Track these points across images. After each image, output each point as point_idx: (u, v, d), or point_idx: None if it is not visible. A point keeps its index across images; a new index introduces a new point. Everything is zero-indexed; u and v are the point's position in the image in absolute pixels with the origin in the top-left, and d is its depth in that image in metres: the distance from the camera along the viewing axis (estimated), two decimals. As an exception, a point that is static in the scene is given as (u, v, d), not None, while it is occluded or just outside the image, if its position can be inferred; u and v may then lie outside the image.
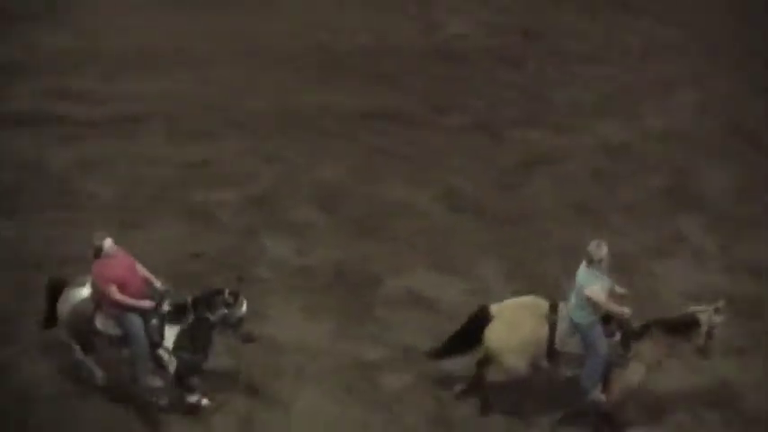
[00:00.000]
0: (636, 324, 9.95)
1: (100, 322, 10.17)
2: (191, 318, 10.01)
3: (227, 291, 9.87)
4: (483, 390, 10.59)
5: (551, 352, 9.97)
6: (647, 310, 10.60)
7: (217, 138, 15.93)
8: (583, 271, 9.79)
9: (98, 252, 9.90)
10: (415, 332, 11.69)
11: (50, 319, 10.58)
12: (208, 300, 9.96)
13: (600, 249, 9.63)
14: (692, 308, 10.06)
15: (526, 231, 14.04)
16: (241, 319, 9.92)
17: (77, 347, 10.44)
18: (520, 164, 15.75)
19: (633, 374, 9.96)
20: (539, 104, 17.65)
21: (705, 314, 9.87)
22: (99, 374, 10.57)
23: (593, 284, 9.63)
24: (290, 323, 11.79)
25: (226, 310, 9.87)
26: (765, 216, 14.80)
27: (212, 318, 9.91)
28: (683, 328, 9.93)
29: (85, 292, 10.24)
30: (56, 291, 10.49)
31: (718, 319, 9.87)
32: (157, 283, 10.20)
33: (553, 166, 15.73)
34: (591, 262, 9.68)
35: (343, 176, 15.13)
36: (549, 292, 10.62)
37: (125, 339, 10.09)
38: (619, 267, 11.65)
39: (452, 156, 15.86)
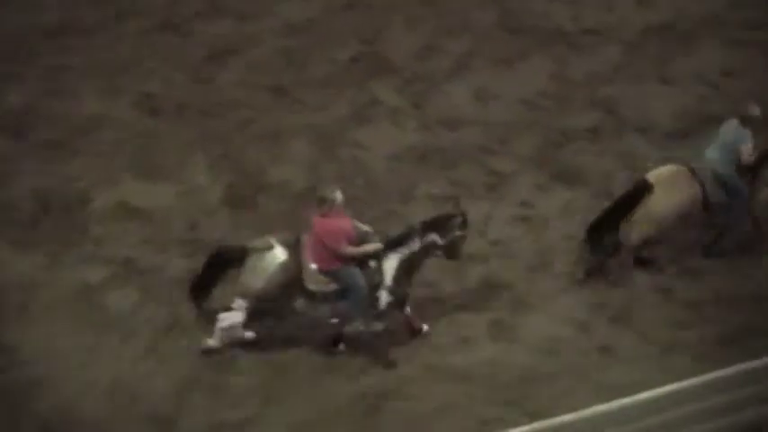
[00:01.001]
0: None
1: (312, 282, 9.93)
2: (416, 246, 10.12)
3: (459, 215, 10.37)
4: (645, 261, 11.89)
5: (706, 204, 11.54)
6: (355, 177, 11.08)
7: None
8: (735, 129, 11.49)
9: (328, 205, 9.75)
10: (134, 245, 11.61)
11: (206, 292, 10.25)
12: (440, 224, 10.21)
13: (754, 109, 11.49)
14: None
15: (227, 123, 14.03)
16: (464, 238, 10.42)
17: (245, 316, 10.07)
18: (210, 57, 15.54)
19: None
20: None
21: None
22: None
23: (748, 142, 11.36)
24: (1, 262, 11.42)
25: (458, 233, 10.25)
26: (451, 70, 15.44)
27: (441, 242, 10.18)
28: None
29: (280, 255, 9.91)
30: (229, 261, 10.08)
31: None
32: (364, 226, 10.23)
33: (242, 53, 15.63)
34: (745, 121, 11.46)
35: (30, 99, 14.44)
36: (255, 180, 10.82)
37: (342, 292, 9.95)
38: (320, 142, 12.15)
39: (141, 60, 15.42)
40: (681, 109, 14.53)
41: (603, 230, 11.53)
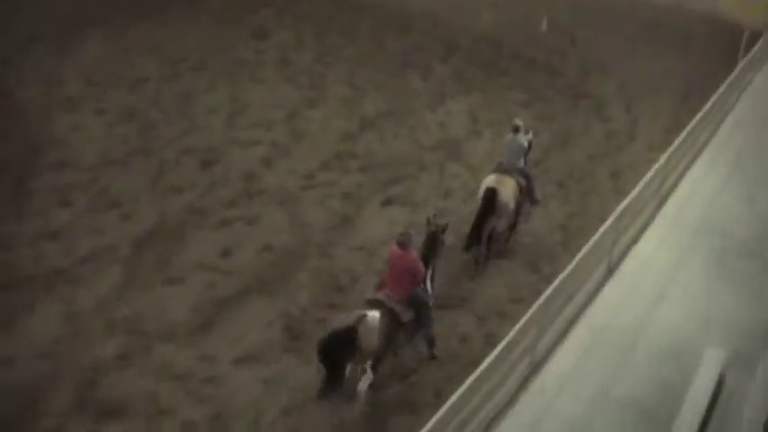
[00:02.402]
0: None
1: (405, 315, 12.22)
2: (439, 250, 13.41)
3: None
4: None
5: (522, 190, 16.20)
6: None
7: None
8: (513, 138, 16.40)
9: (407, 244, 12.39)
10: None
11: (338, 379, 11.65)
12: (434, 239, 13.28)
13: (518, 121, 16.80)
14: None
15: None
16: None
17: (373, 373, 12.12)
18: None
19: None
20: None
21: None
22: None
23: (524, 142, 16.49)
24: None
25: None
26: None
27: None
28: None
29: (375, 313, 11.89)
30: (348, 343, 11.52)
31: None
32: None
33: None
34: (517, 130, 16.41)
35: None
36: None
37: (418, 316, 12.49)
38: None
39: None
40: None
41: (480, 230, 15.54)
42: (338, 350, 11.44)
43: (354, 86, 24.35)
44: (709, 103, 19.32)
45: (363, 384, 11.99)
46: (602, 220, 14.32)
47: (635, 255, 14.38)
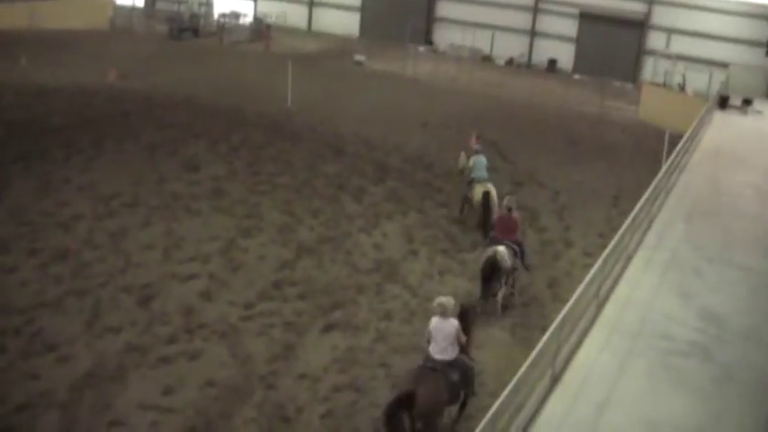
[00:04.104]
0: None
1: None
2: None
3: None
4: None
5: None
6: None
7: None
8: (478, 157, 24.51)
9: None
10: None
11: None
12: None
13: (477, 144, 26.08)
14: None
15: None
16: None
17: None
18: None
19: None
20: None
21: None
22: None
23: (484, 159, 24.81)
24: None
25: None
26: None
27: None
28: None
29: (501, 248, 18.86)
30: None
31: None
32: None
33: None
34: (477, 152, 24.99)
35: None
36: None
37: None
38: None
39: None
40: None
41: (487, 226, 22.33)
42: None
43: (290, 213, 24.46)
44: (638, 205, 19.71)
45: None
46: (544, 330, 14.35)
47: (578, 362, 14.37)
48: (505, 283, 19.10)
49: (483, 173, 24.35)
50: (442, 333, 14.07)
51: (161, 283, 19.46)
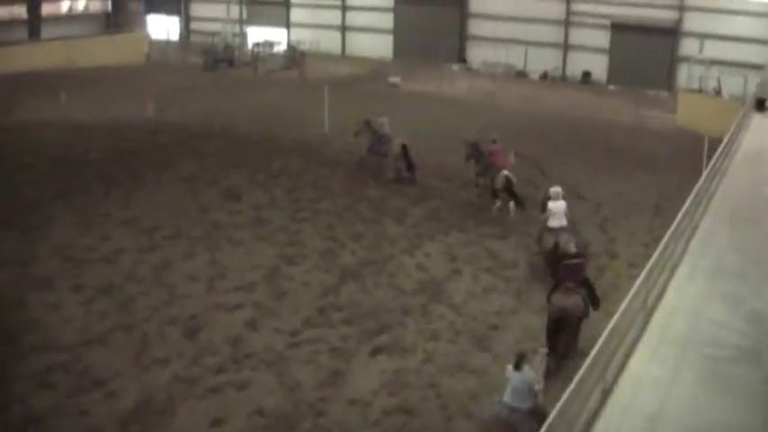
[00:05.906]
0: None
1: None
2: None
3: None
4: None
5: None
6: None
7: None
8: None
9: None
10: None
11: None
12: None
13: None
14: None
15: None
16: None
17: None
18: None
19: None
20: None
21: None
22: None
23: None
24: None
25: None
26: None
27: None
28: None
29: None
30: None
31: None
32: None
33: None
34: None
35: None
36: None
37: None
38: None
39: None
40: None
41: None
42: None
43: (332, 238, 24.47)
44: (681, 213, 19.48)
45: None
46: (594, 341, 14.20)
47: (628, 374, 14.18)
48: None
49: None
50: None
51: (206, 314, 19.53)
